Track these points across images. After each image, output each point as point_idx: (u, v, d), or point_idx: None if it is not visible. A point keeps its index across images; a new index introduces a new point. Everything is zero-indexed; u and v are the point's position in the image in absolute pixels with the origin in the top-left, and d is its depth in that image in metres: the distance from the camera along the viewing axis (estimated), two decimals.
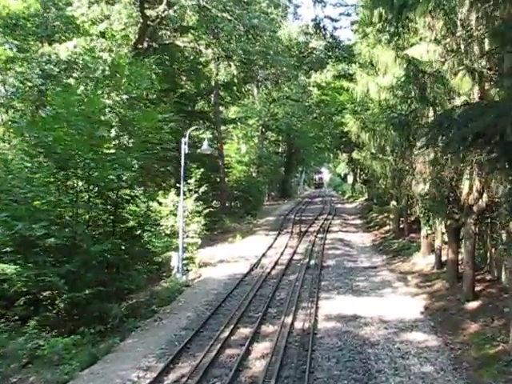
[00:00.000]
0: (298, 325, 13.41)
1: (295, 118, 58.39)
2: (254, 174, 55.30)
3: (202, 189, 23.07)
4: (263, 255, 23.62)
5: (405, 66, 12.76)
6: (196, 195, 22.58)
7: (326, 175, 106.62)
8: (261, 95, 60.13)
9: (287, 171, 69.17)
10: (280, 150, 70.41)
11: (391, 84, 14.75)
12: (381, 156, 16.22)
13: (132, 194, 18.53)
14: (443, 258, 18.76)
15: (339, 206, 54.29)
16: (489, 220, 15.46)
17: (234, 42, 30.79)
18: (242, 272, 20.18)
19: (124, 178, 16.71)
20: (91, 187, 16.15)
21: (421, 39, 14.80)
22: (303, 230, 32.14)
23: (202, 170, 23.72)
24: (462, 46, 12.65)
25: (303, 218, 39.70)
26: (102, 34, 26.26)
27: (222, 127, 57.28)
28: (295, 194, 76.30)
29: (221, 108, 46.31)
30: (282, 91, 57.45)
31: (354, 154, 18.40)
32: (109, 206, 16.87)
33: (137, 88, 21.61)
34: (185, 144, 20.06)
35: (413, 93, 13.11)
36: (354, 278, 18.86)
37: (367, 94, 15.58)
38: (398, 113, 14.30)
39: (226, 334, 12.56)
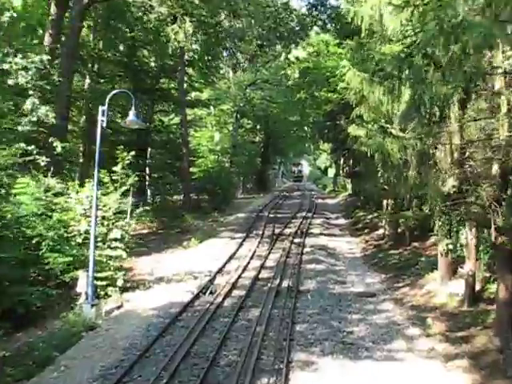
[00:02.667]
0: None
1: (273, 103, 51.95)
2: (226, 165, 48.79)
3: (131, 180, 16.23)
4: (219, 270, 17.10)
5: None
6: (123, 188, 15.79)
7: (305, 168, 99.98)
8: (236, 79, 53.66)
9: (264, 162, 62.77)
10: (257, 140, 63.89)
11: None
12: (395, 131, 9.73)
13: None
14: (477, 287, 12.47)
15: (320, 201, 47.86)
16: None
17: None
18: (182, 301, 13.58)
19: None
20: None
21: None
22: (277, 231, 25.71)
23: (132, 153, 16.72)
24: None
25: (279, 215, 33.29)
26: None
27: (190, 111, 50.75)
28: (273, 187, 69.98)
29: (188, 89, 39.48)
30: (259, 73, 51.04)
31: (351, 129, 11.68)
32: None
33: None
34: (103, 115, 13.30)
35: None
36: (346, 318, 12.28)
37: (379, 22, 9.02)
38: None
39: None
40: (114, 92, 15.52)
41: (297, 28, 34.44)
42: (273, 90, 50.64)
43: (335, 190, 60.38)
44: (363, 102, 10.30)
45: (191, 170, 37.18)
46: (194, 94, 42.77)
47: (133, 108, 13.49)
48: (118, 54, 32.34)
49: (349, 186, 51.08)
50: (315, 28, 35.08)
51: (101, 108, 13.34)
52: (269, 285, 15.17)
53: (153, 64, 36.19)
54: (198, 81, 42.34)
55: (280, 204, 41.96)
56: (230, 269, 17.45)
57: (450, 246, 13.85)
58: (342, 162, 47.54)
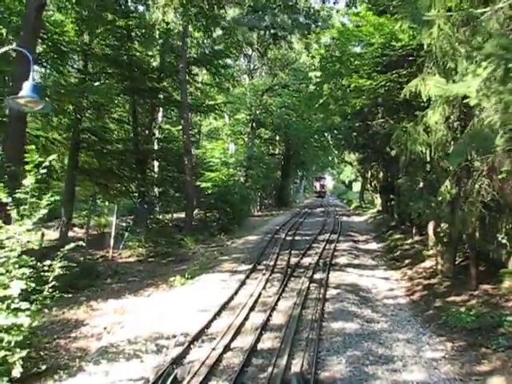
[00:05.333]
0: None
1: (292, 110, 46.10)
2: (241, 179, 42.99)
3: (44, 211, 9.82)
4: (200, 333, 11.14)
5: None
6: (32, 220, 9.53)
7: (329, 182, 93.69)
8: (252, 85, 48.01)
9: (284, 176, 56.77)
10: (276, 152, 58.03)
11: None
12: None
13: None
14: None
15: (345, 219, 41.66)
16: None
17: None
18: None
19: None
20: None
21: None
22: (293, 261, 19.80)
23: (53, 156, 10.34)
24: None
25: (297, 237, 27.32)
26: None
27: (206, 122, 45.76)
28: (294, 203, 63.93)
29: (195, 93, 33.94)
30: (277, 77, 45.29)
31: (419, 84, 5.84)
32: None
33: None
34: None
35: None
36: None
37: None
38: None
39: None
40: None
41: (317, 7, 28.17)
42: (292, 96, 44.84)
43: (361, 206, 54.16)
44: None
45: (202, 185, 31.60)
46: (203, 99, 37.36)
47: (31, 75, 7.61)
48: (107, 47, 26.86)
49: (377, 202, 44.87)
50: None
51: None
52: (269, 369, 9.12)
53: (151, 61, 30.86)
54: (206, 83, 36.96)
55: (300, 223, 35.93)
56: (217, 330, 11.48)
57: None
58: (369, 174, 41.23)
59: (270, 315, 12.50)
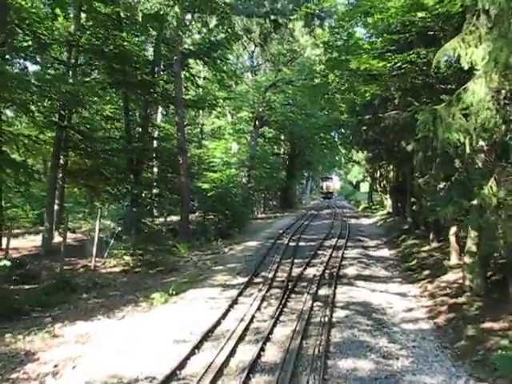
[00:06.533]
0: None
1: (297, 107, 43.45)
2: (243, 180, 40.43)
3: None
4: (168, 379, 8.59)
5: None
6: None
7: (336, 183, 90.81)
8: (255, 82, 45.45)
9: (289, 177, 54.06)
10: (281, 151, 55.40)
11: None
12: None
13: None
14: None
15: (353, 221, 38.94)
16: None
17: None
18: None
19: None
20: None
21: None
22: (295, 272, 17.24)
23: None
24: None
25: (302, 242, 24.75)
26: None
27: (208, 121, 43.50)
28: (299, 205, 61.27)
29: (188, 84, 31.33)
30: (281, 73, 42.67)
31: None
32: None
33: None
34: None
35: None
36: None
37: None
38: None
39: None
40: None
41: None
42: (297, 92, 42.21)
43: (370, 208, 51.44)
44: None
45: (204, 186, 29.18)
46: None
47: None
48: (94, 37, 24.29)
49: (387, 203, 42.16)
50: None
51: None
52: None
53: (144, 54, 28.36)
54: (206, 78, 34.53)
55: (305, 226, 33.31)
56: (192, 371, 8.88)
57: None
58: (378, 174, 38.55)
59: (263, 349, 9.91)
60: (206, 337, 10.63)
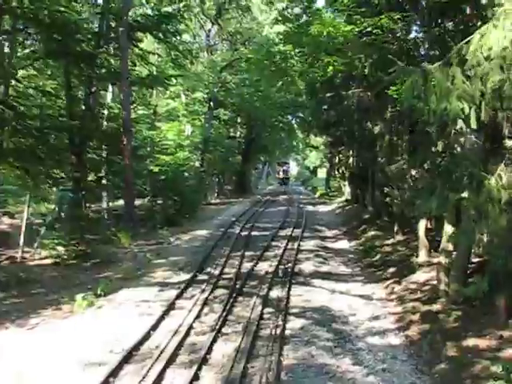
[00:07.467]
0: None
1: (253, 89, 41.14)
2: (196, 163, 38.08)
3: None
4: None
5: None
6: None
7: (293, 168, 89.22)
8: (211, 62, 42.86)
9: (245, 161, 51.91)
10: (237, 135, 53.13)
11: None
12: None
13: None
14: None
15: (310, 208, 37.10)
16: None
17: None
18: None
19: None
20: None
21: None
22: (245, 269, 15.20)
23: None
24: None
25: (254, 232, 22.70)
26: None
27: (162, 102, 40.90)
28: (255, 190, 59.30)
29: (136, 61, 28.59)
30: (237, 52, 40.30)
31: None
32: None
33: None
34: None
35: None
36: None
37: None
38: None
39: None
40: None
41: None
42: (254, 73, 39.97)
43: (328, 194, 49.78)
44: None
45: (155, 169, 26.84)
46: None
47: None
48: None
49: (345, 190, 40.46)
50: None
51: None
52: None
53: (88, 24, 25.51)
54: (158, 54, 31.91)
55: (260, 213, 31.29)
56: None
57: None
58: (337, 159, 36.77)
59: (197, 376, 7.75)
60: (128, 357, 8.41)
